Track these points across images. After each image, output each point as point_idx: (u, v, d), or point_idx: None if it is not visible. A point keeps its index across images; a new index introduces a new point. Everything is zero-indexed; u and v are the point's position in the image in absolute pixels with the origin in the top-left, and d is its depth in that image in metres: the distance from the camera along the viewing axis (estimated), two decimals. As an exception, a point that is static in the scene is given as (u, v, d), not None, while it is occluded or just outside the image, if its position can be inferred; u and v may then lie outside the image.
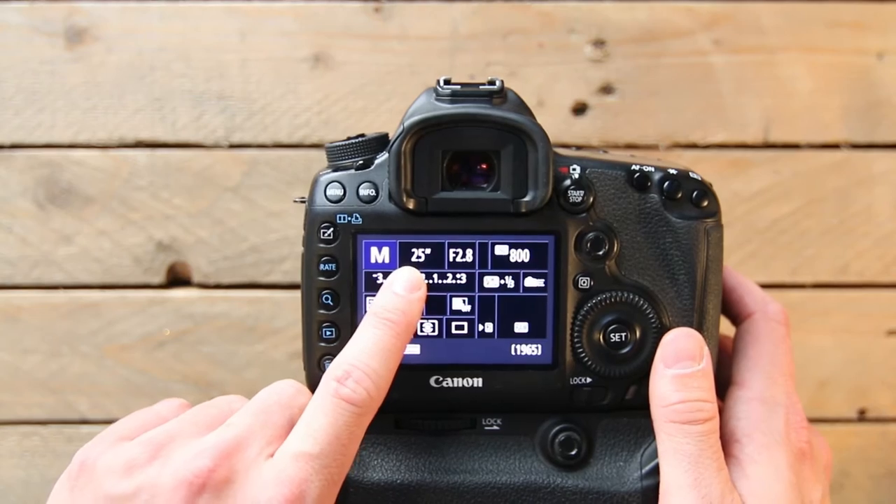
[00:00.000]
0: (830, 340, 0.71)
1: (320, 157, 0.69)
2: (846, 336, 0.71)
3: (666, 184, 0.43)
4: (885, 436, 0.72)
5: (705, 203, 0.43)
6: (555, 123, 0.69)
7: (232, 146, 0.69)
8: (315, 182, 0.42)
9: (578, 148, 0.47)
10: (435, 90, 0.41)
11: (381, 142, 0.43)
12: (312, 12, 0.68)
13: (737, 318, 0.47)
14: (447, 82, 0.41)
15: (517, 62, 0.69)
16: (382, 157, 0.42)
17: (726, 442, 0.42)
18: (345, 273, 0.42)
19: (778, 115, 0.70)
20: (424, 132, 0.41)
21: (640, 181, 0.43)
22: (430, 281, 0.42)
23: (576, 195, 0.42)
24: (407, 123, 0.41)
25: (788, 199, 0.70)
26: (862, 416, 0.72)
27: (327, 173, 0.43)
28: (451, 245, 0.42)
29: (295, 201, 0.45)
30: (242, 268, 0.69)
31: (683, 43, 0.69)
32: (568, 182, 0.42)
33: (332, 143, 0.43)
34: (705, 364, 0.41)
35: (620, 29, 0.69)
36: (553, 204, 0.42)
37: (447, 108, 0.41)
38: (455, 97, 0.41)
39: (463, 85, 0.41)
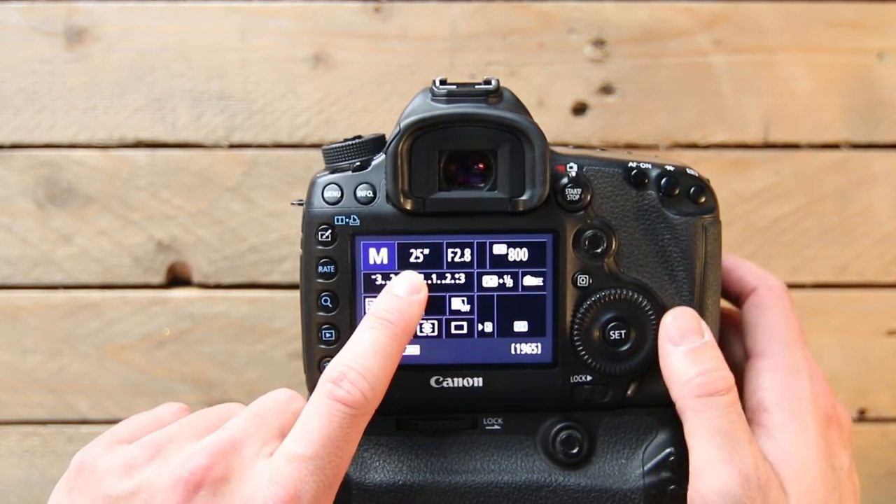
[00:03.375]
0: (830, 340, 0.71)
1: (320, 157, 0.69)
2: (846, 336, 0.71)
3: (663, 180, 0.43)
4: (885, 436, 0.72)
5: (703, 199, 0.43)
6: (555, 123, 0.69)
7: (232, 146, 0.69)
8: (312, 184, 0.43)
9: (576, 147, 0.47)
10: (431, 90, 0.41)
11: (377, 143, 0.43)
12: (312, 12, 0.68)
13: (740, 296, 0.47)
14: (443, 82, 0.41)
15: (517, 62, 0.69)
16: (379, 158, 0.42)
17: (754, 412, 0.42)
18: (343, 275, 0.42)
19: (778, 115, 0.70)
20: (421, 132, 0.41)
21: (637, 178, 0.43)
22: (430, 281, 0.42)
23: (573, 193, 0.42)
24: (403, 124, 0.41)
25: (788, 199, 0.70)
26: (862, 416, 0.72)
27: (324, 175, 0.43)
28: (450, 245, 0.42)
29: (293, 204, 0.46)
30: (242, 268, 0.69)
31: (683, 43, 0.69)
32: (565, 180, 0.42)
33: (328, 144, 0.43)
34: (709, 337, 0.41)
35: (620, 29, 0.69)
36: (550, 202, 0.42)
37: (443, 108, 0.41)
38: (451, 97, 0.41)
39: (459, 85, 0.41)
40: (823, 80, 0.69)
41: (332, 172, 0.43)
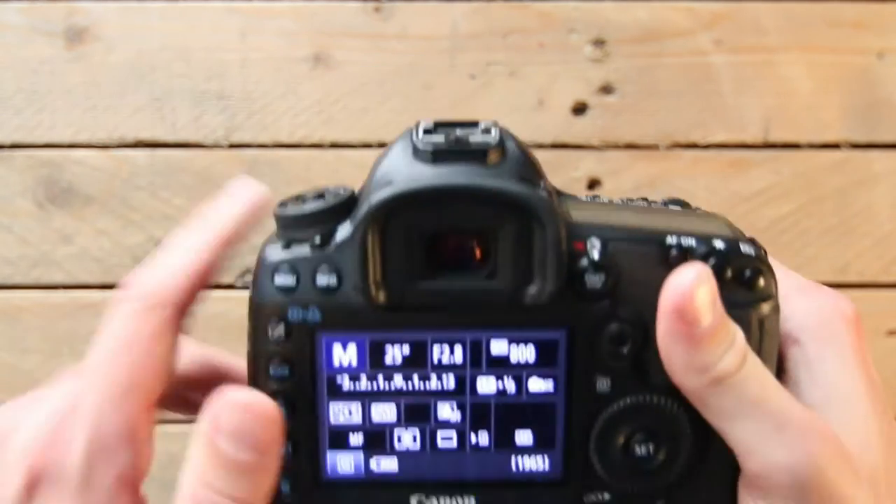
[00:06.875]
0: (830, 340, 0.71)
1: (320, 156, 0.69)
2: (846, 336, 0.71)
3: (711, 261, 0.33)
4: (885, 436, 0.72)
5: (759, 283, 0.33)
6: (555, 123, 0.69)
7: (232, 146, 0.69)
8: (261, 262, 0.33)
9: (594, 198, 0.37)
10: (412, 142, 0.32)
11: (345, 207, 0.33)
12: (312, 12, 0.68)
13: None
14: (428, 130, 0.32)
15: (517, 62, 0.69)
16: (346, 231, 0.32)
17: (782, 345, 0.35)
18: (302, 378, 0.34)
19: (778, 115, 0.70)
20: (397, 211, 0.32)
21: (676, 260, 0.33)
22: (410, 386, 0.34)
23: (594, 280, 0.32)
24: (374, 201, 0.31)
25: (788, 199, 0.70)
26: (862, 416, 0.72)
27: (276, 249, 0.33)
28: (436, 341, 0.34)
29: (237, 285, 0.38)
30: (243, 268, 0.69)
31: (683, 43, 0.69)
32: (585, 262, 0.32)
33: (282, 207, 0.34)
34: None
35: (620, 29, 0.69)
36: (565, 290, 0.32)
37: (427, 177, 0.31)
38: (438, 157, 0.31)
39: (448, 137, 0.32)
40: (823, 80, 0.69)
41: (287, 246, 0.33)
